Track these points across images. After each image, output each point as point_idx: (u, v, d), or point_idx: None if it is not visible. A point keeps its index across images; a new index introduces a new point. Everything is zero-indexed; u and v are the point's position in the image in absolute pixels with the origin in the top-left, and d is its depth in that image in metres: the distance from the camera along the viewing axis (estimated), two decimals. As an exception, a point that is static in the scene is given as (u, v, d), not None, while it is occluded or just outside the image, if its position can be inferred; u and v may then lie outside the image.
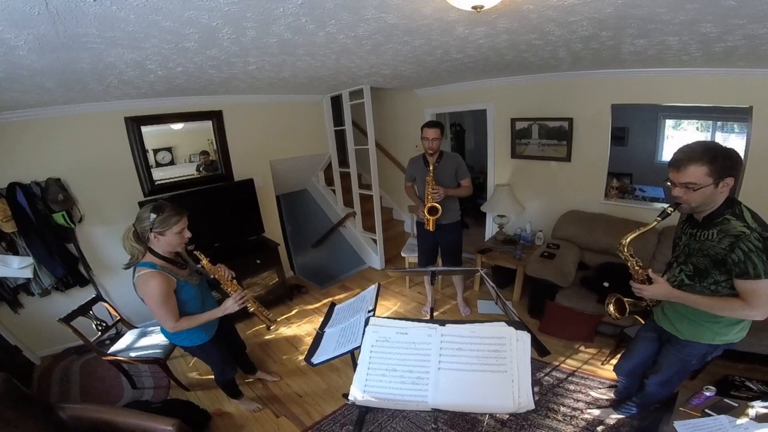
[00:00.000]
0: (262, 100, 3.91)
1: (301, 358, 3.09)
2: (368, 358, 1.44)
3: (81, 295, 3.04)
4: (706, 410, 1.78)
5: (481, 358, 1.36)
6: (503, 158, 4.15)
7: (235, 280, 2.05)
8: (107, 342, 2.96)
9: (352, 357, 1.90)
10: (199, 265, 1.99)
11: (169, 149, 3.50)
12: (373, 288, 2.18)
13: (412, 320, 1.50)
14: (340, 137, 4.76)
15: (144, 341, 2.73)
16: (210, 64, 2.24)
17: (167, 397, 2.75)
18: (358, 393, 1.37)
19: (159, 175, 3.45)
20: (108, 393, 2.80)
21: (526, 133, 3.89)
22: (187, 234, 1.84)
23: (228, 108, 3.71)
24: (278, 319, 3.71)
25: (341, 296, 4.13)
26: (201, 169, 3.74)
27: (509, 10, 1.56)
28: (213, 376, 2.70)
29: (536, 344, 1.47)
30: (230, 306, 1.94)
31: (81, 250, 3.18)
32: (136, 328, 2.93)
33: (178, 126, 3.51)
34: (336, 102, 4.57)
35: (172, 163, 3.52)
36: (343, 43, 2.02)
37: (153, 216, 1.74)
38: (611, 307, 1.91)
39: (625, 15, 1.58)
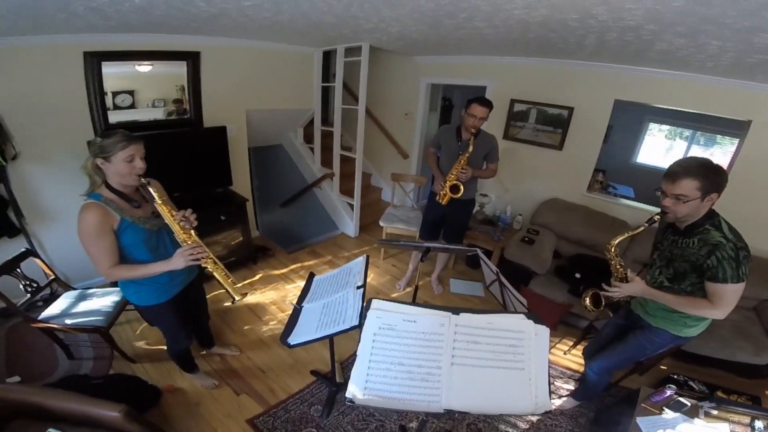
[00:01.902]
0: (247, 45, 3.47)
1: (265, 329, 2.91)
2: (370, 349, 1.26)
3: (10, 248, 2.58)
4: (665, 408, 1.87)
5: (498, 353, 1.25)
6: (495, 138, 4.06)
7: (193, 231, 1.69)
8: (39, 304, 2.54)
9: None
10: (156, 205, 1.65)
11: (130, 92, 3.03)
12: (361, 260, 2.01)
13: (422, 306, 1.34)
14: (324, 95, 4.43)
15: (83, 306, 2.36)
16: (202, -7, 1.86)
17: (110, 370, 2.42)
18: (357, 391, 1.21)
19: (117, 118, 2.99)
20: (40, 364, 2.41)
21: (523, 116, 3.79)
22: (139, 164, 1.57)
23: (207, 50, 3.25)
24: (241, 284, 3.43)
25: (311, 263, 3.95)
26: (172, 116, 3.31)
27: (573, -19, 1.37)
28: (163, 347, 2.42)
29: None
30: (176, 261, 1.61)
31: (12, 192, 2.67)
32: (74, 289, 2.54)
33: (144, 68, 3.04)
34: (327, 58, 4.21)
35: (132, 107, 3.07)
36: (363, -16, 1.73)
37: (99, 140, 1.52)
38: (587, 301, 2.02)
39: (689, 12, 1.46)
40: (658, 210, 1.62)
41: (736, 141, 3.40)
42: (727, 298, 1.47)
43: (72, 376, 2.30)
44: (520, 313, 1.34)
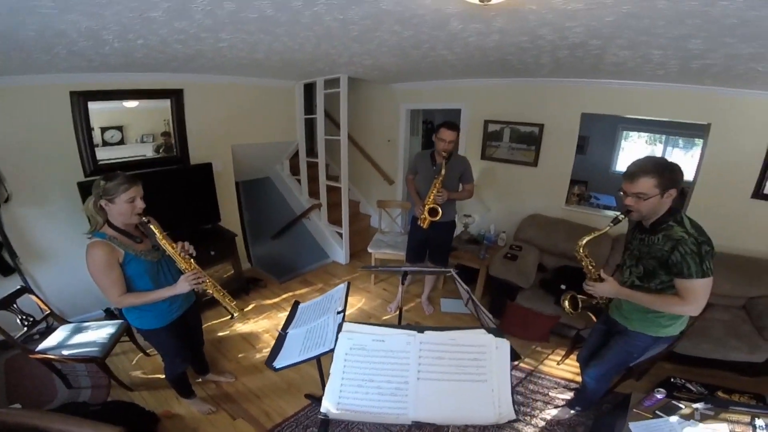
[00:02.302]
0: (229, 81, 3.62)
1: (259, 356, 2.93)
2: (342, 368, 1.35)
3: (5, 285, 2.65)
4: (657, 412, 1.87)
5: (462, 367, 1.31)
6: (473, 159, 4.10)
7: (192, 260, 1.89)
8: (36, 337, 2.62)
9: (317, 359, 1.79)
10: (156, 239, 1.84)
11: (119, 128, 3.15)
12: (342, 287, 2.08)
13: (389, 326, 1.42)
14: (308, 126, 4.56)
15: (78, 338, 2.44)
16: (176, 38, 2.01)
17: (107, 398, 2.49)
18: (330, 406, 1.28)
19: (106, 155, 3.09)
20: (39, 393, 2.49)
21: (497, 135, 3.93)
22: (140, 204, 1.73)
23: (190, 87, 3.39)
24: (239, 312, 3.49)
25: (303, 291, 3.97)
26: (161, 150, 3.42)
27: (511, 8, 1.51)
28: (159, 375, 2.51)
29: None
30: (181, 285, 1.81)
31: (5, 234, 2.75)
32: (70, 323, 2.61)
33: (131, 104, 3.17)
34: (309, 89, 4.36)
35: (121, 142, 3.17)
36: (328, 25, 1.88)
37: (102, 183, 1.67)
38: (566, 303, 2.06)
39: (622, 25, 1.59)
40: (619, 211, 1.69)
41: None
42: (695, 293, 1.51)
43: (71, 403, 2.36)
44: (481, 328, 1.39)
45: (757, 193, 2.89)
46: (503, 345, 1.33)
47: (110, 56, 2.32)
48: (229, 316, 2.02)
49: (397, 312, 3.51)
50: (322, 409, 1.28)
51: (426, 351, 1.33)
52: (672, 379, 2.55)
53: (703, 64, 2.08)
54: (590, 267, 1.85)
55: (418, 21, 1.79)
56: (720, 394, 2.42)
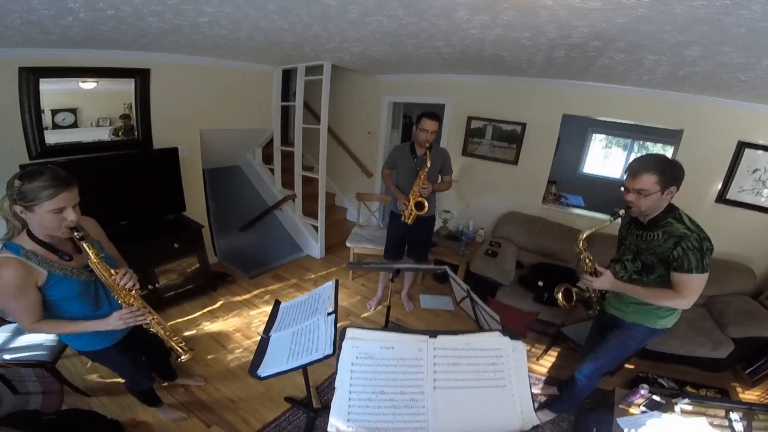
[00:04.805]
0: (201, 62, 3.34)
1: (231, 357, 2.75)
2: (349, 379, 1.23)
3: None
4: (641, 407, 1.92)
5: (479, 373, 1.26)
6: (454, 155, 4.07)
7: (134, 292, 1.50)
8: None
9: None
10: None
11: (73, 111, 2.81)
12: (330, 285, 1.96)
13: (397, 331, 1.32)
14: (284, 114, 4.34)
15: (23, 339, 2.17)
16: (153, 9, 1.79)
17: (61, 404, 2.20)
18: (340, 423, 1.16)
19: (56, 138, 2.76)
20: None
21: (480, 132, 3.93)
22: (71, 216, 1.27)
23: (158, 67, 3.09)
24: (200, 312, 3.25)
25: (275, 287, 3.79)
26: (120, 134, 3.09)
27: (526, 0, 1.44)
28: (120, 380, 2.23)
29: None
30: (113, 323, 1.43)
31: None
32: (10, 322, 2.30)
33: (88, 85, 2.84)
34: (286, 76, 4.15)
35: (74, 126, 2.84)
36: (326, 4, 1.73)
37: (18, 183, 1.20)
38: (560, 296, 2.05)
39: (629, 28, 1.58)
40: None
41: (670, 148, 3.71)
42: (691, 287, 1.56)
43: (21, 411, 2.07)
44: (495, 330, 1.35)
45: (721, 198, 3.06)
46: (519, 347, 1.29)
47: (72, 29, 2.02)
48: (177, 357, 1.71)
49: (378, 308, 3.48)
50: (330, 428, 1.15)
51: (441, 357, 1.26)
52: (642, 375, 2.67)
53: (691, 71, 2.14)
54: (587, 261, 1.82)
55: (425, 6, 1.69)
56: (688, 389, 2.55)
